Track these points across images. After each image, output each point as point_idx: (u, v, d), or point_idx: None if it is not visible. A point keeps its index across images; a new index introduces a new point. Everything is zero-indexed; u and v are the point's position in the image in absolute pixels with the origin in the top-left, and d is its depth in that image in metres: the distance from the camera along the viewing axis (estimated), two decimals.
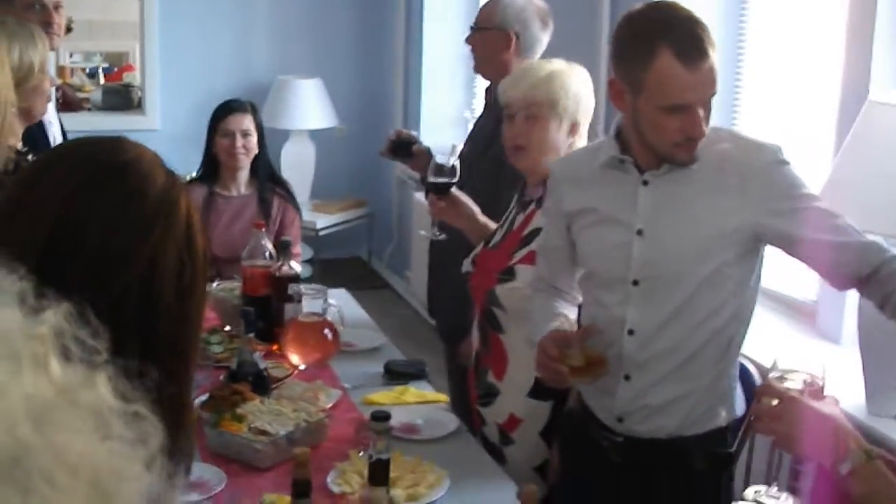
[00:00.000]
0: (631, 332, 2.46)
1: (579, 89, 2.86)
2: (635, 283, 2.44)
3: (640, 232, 2.42)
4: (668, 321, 2.43)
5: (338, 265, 7.68)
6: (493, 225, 3.11)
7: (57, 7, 4.00)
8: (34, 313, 0.77)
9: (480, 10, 3.69)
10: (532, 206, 2.88)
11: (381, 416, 1.93)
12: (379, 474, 1.93)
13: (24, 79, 3.00)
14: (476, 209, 3.18)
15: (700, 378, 2.47)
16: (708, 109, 2.31)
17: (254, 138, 4.18)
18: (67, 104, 7.73)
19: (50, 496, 0.69)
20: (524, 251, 2.82)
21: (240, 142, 4.14)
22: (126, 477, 0.75)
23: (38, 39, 3.09)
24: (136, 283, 1.18)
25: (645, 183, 2.42)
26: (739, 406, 2.56)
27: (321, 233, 7.20)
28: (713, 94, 2.30)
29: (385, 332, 3.79)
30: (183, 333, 1.25)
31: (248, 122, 4.17)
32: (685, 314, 2.42)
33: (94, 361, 0.78)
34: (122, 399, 0.77)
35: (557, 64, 2.90)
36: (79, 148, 1.30)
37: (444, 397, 3.16)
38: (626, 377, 2.49)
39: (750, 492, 2.60)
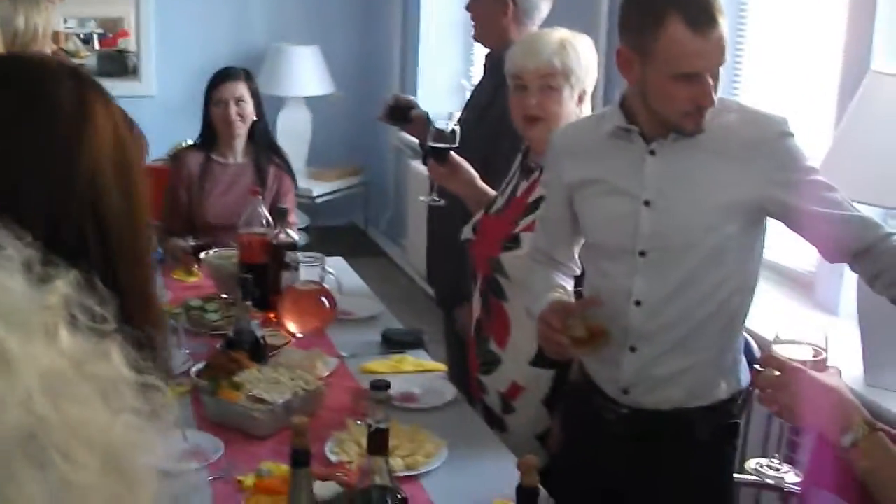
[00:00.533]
0: (638, 303, 2.45)
1: (588, 58, 2.85)
2: (642, 253, 2.43)
3: (647, 202, 2.41)
4: (675, 292, 2.42)
5: (334, 233, 7.66)
6: (491, 192, 3.10)
7: None
8: (42, 282, 0.76)
9: None
10: (537, 174, 2.85)
11: (381, 385, 1.91)
12: (378, 443, 1.91)
13: (28, 43, 3.00)
14: (475, 175, 3.17)
15: (706, 349, 2.47)
16: (716, 79, 2.29)
17: (249, 105, 4.16)
18: None
19: (66, 470, 0.68)
20: (529, 218, 2.80)
21: (234, 109, 4.13)
22: (141, 449, 0.74)
23: (43, 4, 3.08)
24: (87, 211, 1.15)
25: (652, 153, 2.41)
26: (745, 377, 2.55)
27: (317, 200, 7.19)
28: (723, 62, 2.28)
29: (382, 300, 3.78)
30: (137, 239, 1.22)
31: (241, 89, 4.15)
32: (692, 285, 2.41)
33: (102, 330, 0.77)
34: (135, 370, 0.77)
35: (564, 32, 2.87)
36: None
37: (441, 366, 3.16)
38: (632, 349, 2.48)
39: (751, 463, 2.61)
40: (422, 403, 2.86)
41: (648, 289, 2.44)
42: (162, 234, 4.22)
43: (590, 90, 2.87)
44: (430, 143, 3.20)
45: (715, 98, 2.30)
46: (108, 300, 0.79)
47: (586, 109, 2.87)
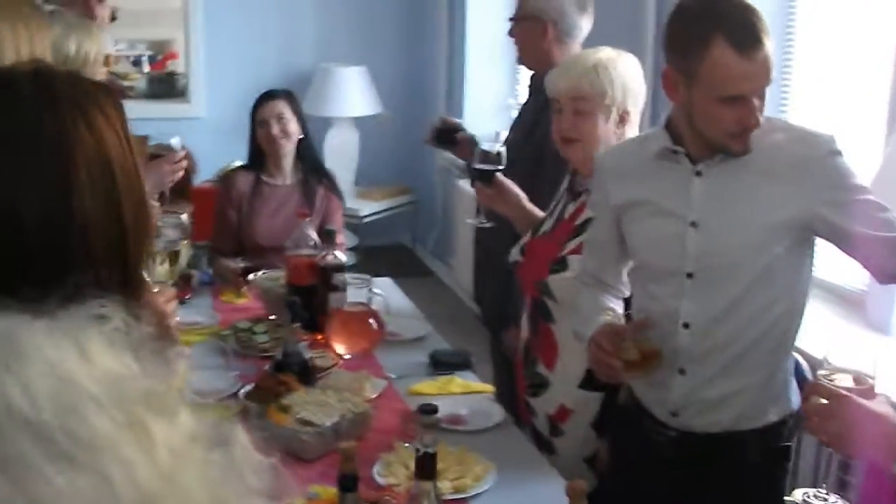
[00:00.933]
0: (686, 326, 2.44)
1: (627, 78, 2.82)
2: (689, 275, 2.42)
3: (693, 224, 2.40)
4: (724, 314, 2.40)
5: (382, 252, 7.68)
6: (539, 213, 3.09)
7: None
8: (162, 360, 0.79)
9: (518, 0, 3.67)
10: (584, 196, 2.85)
11: (430, 410, 1.92)
12: (426, 468, 1.91)
13: (79, 69, 3.03)
14: (522, 196, 3.16)
15: (756, 371, 2.45)
16: (762, 99, 2.28)
17: (291, 122, 4.18)
18: None
19: None
20: (576, 241, 2.79)
21: (276, 127, 4.16)
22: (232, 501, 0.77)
23: (96, 32, 3.12)
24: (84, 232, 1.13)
25: (698, 174, 2.40)
26: (795, 399, 2.53)
27: (365, 220, 7.21)
28: (769, 83, 2.27)
29: (429, 320, 3.78)
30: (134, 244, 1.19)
31: (281, 107, 4.18)
32: (741, 306, 2.39)
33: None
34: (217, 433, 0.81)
35: (605, 53, 2.85)
36: None
37: (489, 388, 3.15)
38: (681, 371, 2.47)
39: (798, 494, 2.57)
40: (470, 426, 2.85)
41: (697, 311, 2.42)
42: (212, 255, 4.26)
43: (634, 110, 2.84)
44: (476, 166, 3.20)
45: (761, 118, 2.28)
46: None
47: (632, 130, 2.85)
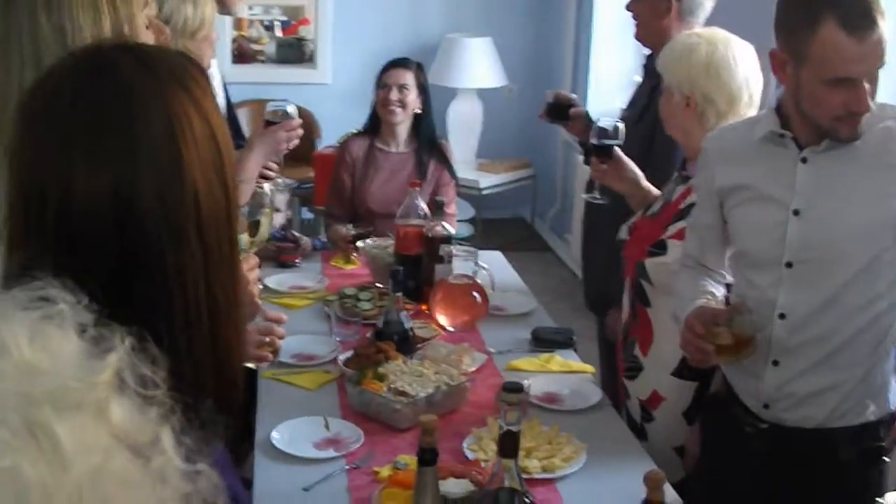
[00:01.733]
0: (782, 316, 2.37)
1: (740, 80, 2.71)
2: (789, 265, 2.34)
3: (796, 212, 2.32)
4: (822, 307, 2.33)
5: (500, 225, 7.67)
6: (655, 192, 3.03)
7: None
8: (95, 346, 0.74)
9: None
10: (691, 181, 2.79)
11: (514, 388, 1.90)
12: (509, 446, 1.89)
13: (197, 29, 3.07)
14: (640, 174, 3.10)
15: (852, 368, 2.37)
16: (874, 83, 2.18)
17: (411, 94, 4.19)
18: (242, 56, 7.89)
19: None
20: (678, 225, 2.74)
21: (395, 95, 4.18)
22: None
23: None
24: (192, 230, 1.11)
25: (804, 160, 2.32)
26: (894, 399, 2.44)
27: (484, 192, 7.19)
28: (881, 66, 2.17)
29: (543, 294, 3.76)
30: (231, 281, 1.17)
31: (406, 77, 4.19)
32: (840, 300, 2.31)
33: (152, 396, 0.75)
34: (186, 459, 0.74)
35: (720, 41, 2.74)
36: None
37: (589, 368, 3.11)
38: (775, 363, 2.40)
39: (892, 497, 2.48)
40: (566, 405, 2.83)
41: (794, 301, 2.35)
42: (326, 220, 4.31)
43: (702, 96, 2.72)
44: (594, 140, 3.15)
45: (871, 103, 2.19)
46: (161, 361, 0.77)
47: (708, 118, 2.74)
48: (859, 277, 2.30)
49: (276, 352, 2.40)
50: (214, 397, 1.14)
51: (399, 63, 4.28)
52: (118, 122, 1.07)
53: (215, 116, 1.15)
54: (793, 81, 2.25)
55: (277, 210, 4.02)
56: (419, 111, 4.25)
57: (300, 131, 3.22)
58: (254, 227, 2.20)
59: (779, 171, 2.35)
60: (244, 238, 2.18)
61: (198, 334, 1.12)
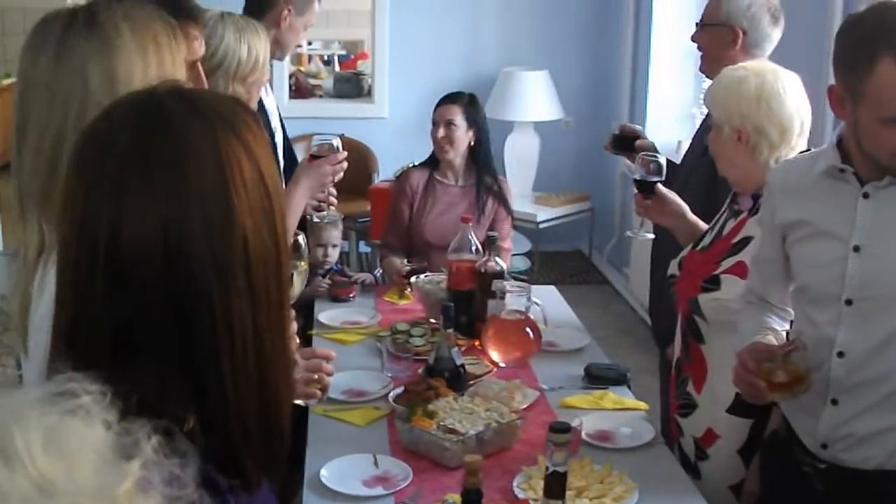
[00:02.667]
0: (840, 355, 2.32)
1: (790, 110, 2.66)
2: (849, 302, 2.29)
3: (856, 248, 2.27)
4: (882, 346, 2.27)
5: (558, 258, 7.65)
6: (703, 225, 2.99)
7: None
8: (121, 452, 0.72)
9: (707, 5, 3.55)
10: (743, 215, 2.75)
11: (562, 428, 1.88)
12: (555, 487, 1.87)
13: (249, 73, 3.09)
14: (685, 208, 3.07)
15: None
16: None
17: (459, 130, 4.17)
18: (299, 91, 7.97)
19: None
20: (732, 260, 2.69)
21: (442, 132, 4.17)
22: None
23: (263, 34, 3.18)
24: (243, 284, 1.10)
25: (865, 196, 2.27)
26: None
27: (542, 225, 7.17)
28: None
29: (601, 328, 3.74)
30: (280, 328, 1.16)
31: (454, 113, 4.18)
32: None
33: (181, 497, 0.73)
34: None
35: (768, 72, 2.70)
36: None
37: (643, 405, 3.07)
38: (834, 401, 2.34)
39: None
40: (618, 443, 2.79)
41: (853, 340, 2.30)
42: (382, 252, 4.31)
43: (754, 129, 2.66)
44: (637, 175, 3.13)
45: None
46: (191, 457, 0.75)
47: (802, 142, 2.70)
48: None
49: (324, 389, 2.40)
50: (261, 446, 1.13)
51: (448, 99, 4.27)
52: (169, 165, 1.07)
53: (266, 162, 1.14)
54: (851, 118, 2.21)
55: (335, 246, 4.03)
56: (472, 143, 4.23)
57: (345, 164, 3.22)
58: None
59: (840, 206, 2.31)
60: None
61: (245, 382, 1.10)
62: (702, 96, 3.64)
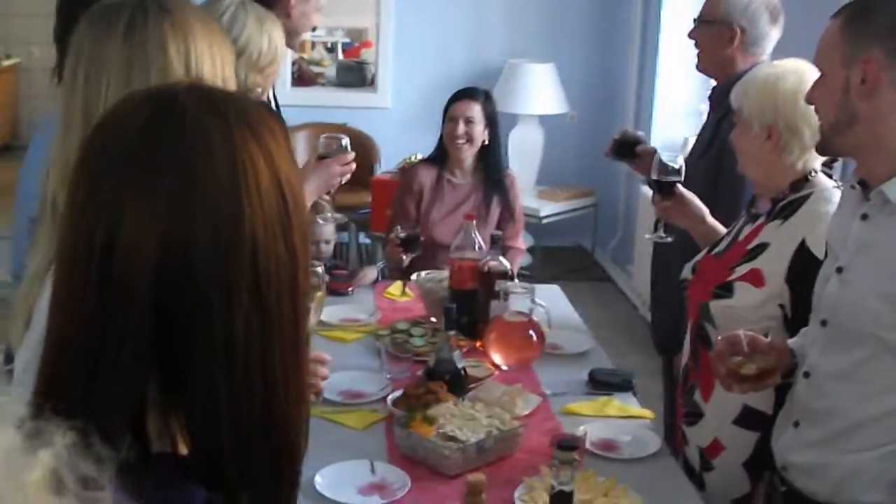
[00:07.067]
0: (806, 375, 2.28)
1: (792, 93, 2.59)
2: (823, 323, 2.24)
3: (839, 269, 2.20)
4: (842, 377, 2.20)
5: (560, 254, 7.56)
6: (722, 229, 2.91)
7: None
8: (30, 441, 0.68)
9: (706, 2, 3.47)
10: (761, 220, 2.66)
11: (569, 445, 1.79)
12: None
13: (268, 64, 3.02)
14: (705, 210, 2.98)
15: (865, 451, 2.19)
16: None
17: (478, 127, 4.13)
18: (302, 79, 7.87)
19: None
20: (746, 267, 2.60)
21: (461, 128, 4.11)
22: None
23: (280, 26, 3.10)
24: (247, 291, 1.02)
25: (864, 217, 2.18)
26: None
27: (544, 220, 7.08)
28: None
29: (602, 327, 3.66)
30: (294, 351, 1.07)
31: (474, 110, 4.13)
32: (860, 376, 2.17)
33: (94, 499, 0.67)
34: None
35: (806, 70, 2.57)
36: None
37: (648, 414, 2.98)
38: (796, 424, 2.30)
39: None
40: (623, 453, 2.70)
41: (819, 363, 2.25)
42: (384, 245, 4.22)
43: (787, 127, 2.55)
44: (655, 176, 3.05)
45: None
46: (107, 460, 0.70)
47: (791, 151, 2.60)
48: (884, 356, 2.13)
49: (318, 393, 2.32)
50: (267, 483, 1.05)
51: (466, 94, 4.22)
52: (176, 162, 1.00)
53: (289, 173, 1.05)
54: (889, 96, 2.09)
55: (328, 242, 3.95)
56: (486, 142, 4.17)
57: (353, 165, 3.14)
58: None
59: (845, 222, 2.24)
60: None
61: (247, 408, 1.01)
62: (709, 92, 3.56)
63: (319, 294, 2.15)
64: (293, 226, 1.05)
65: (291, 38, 3.62)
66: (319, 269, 2.17)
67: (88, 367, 0.98)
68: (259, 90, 3.00)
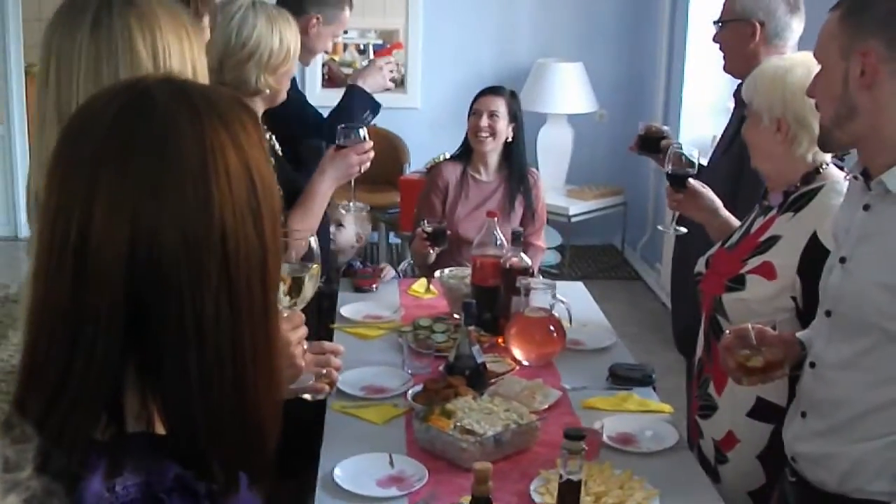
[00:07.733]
0: (812, 365, 2.28)
1: (798, 86, 2.59)
2: (828, 313, 2.25)
3: (842, 259, 2.21)
4: (847, 366, 2.21)
5: (590, 253, 7.57)
6: (736, 221, 2.92)
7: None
8: None
9: (723, 3, 3.47)
10: (773, 212, 2.67)
11: (576, 435, 1.82)
12: (568, 496, 1.82)
13: (280, 64, 3.05)
14: (718, 203, 3.00)
15: (871, 439, 2.20)
16: None
17: (502, 121, 4.16)
18: (332, 80, 7.91)
19: None
20: (758, 259, 2.61)
21: (485, 121, 4.15)
22: None
23: (294, 24, 3.13)
24: (217, 277, 1.05)
25: (866, 207, 2.19)
26: None
27: (573, 219, 7.09)
28: None
29: (630, 325, 3.67)
30: (264, 333, 1.10)
31: (497, 104, 4.17)
32: (864, 366, 2.18)
33: (14, 480, 0.69)
34: None
35: (814, 65, 2.61)
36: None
37: (667, 408, 2.99)
38: (803, 414, 2.30)
39: None
40: (641, 447, 2.72)
41: (824, 353, 2.25)
42: (411, 241, 4.27)
43: (796, 119, 2.56)
44: (668, 169, 3.08)
45: None
46: (30, 439, 0.71)
47: (800, 143, 2.60)
48: (889, 346, 2.13)
49: (332, 384, 2.35)
50: (236, 450, 1.08)
51: (491, 90, 4.28)
52: (148, 148, 1.03)
53: (258, 160, 1.09)
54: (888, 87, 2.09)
55: (341, 226, 3.98)
56: (510, 139, 4.20)
57: (371, 154, 3.18)
58: (296, 287, 2.12)
59: (849, 212, 2.25)
60: (284, 298, 2.11)
61: (216, 384, 1.05)
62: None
63: (315, 267, 2.18)
64: (263, 212, 1.08)
65: (304, 55, 3.67)
66: (313, 241, 2.19)
67: (65, 356, 1.01)
68: (268, 91, 3.02)
